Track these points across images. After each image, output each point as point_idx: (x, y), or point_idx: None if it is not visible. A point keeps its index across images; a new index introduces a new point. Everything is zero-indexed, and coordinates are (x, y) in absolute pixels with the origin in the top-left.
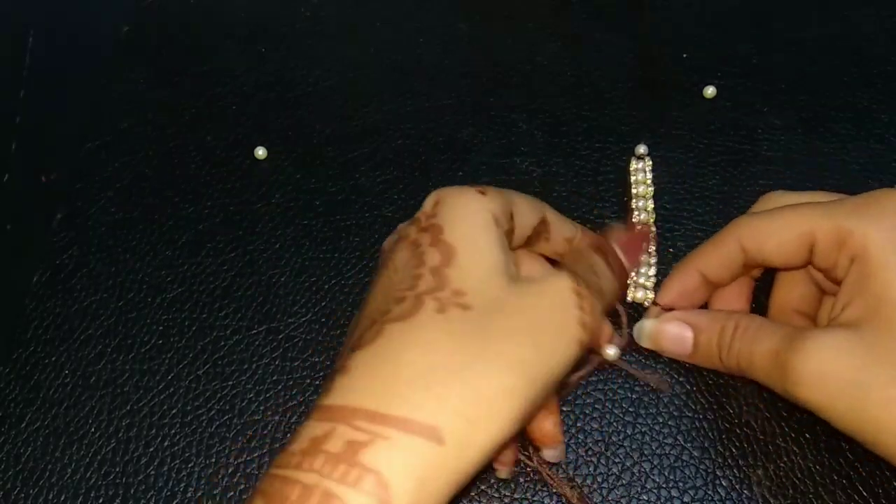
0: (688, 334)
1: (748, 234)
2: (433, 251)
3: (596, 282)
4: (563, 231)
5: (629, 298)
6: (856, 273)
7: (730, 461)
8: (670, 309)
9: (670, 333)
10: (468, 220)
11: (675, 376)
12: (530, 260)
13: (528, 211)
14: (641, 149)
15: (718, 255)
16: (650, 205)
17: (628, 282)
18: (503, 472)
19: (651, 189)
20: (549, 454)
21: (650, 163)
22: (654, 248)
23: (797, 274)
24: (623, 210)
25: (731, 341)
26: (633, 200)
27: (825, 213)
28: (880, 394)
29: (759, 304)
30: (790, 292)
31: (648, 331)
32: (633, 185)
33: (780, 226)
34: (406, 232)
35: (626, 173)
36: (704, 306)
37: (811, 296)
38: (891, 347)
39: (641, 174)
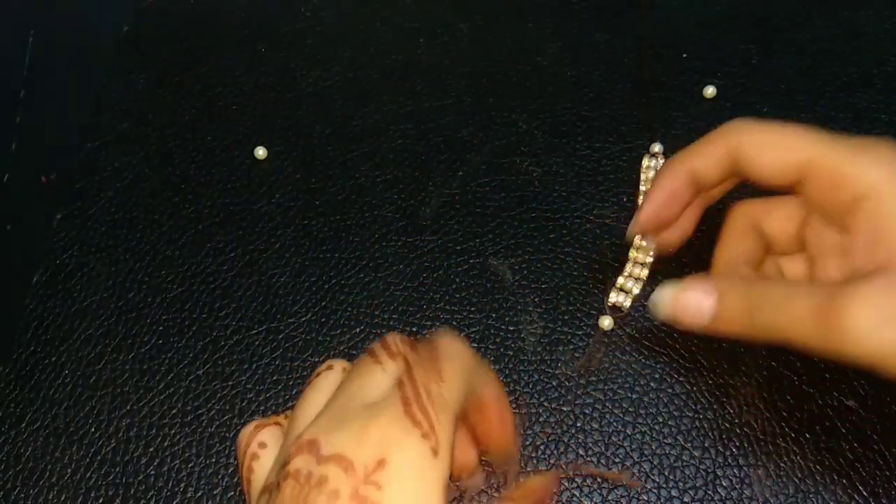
0: (708, 302)
1: (747, 141)
2: None
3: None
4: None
5: (610, 302)
6: (866, 221)
7: (730, 461)
8: (654, 230)
9: (691, 302)
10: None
11: (675, 376)
12: None
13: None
14: (656, 147)
15: (711, 156)
16: None
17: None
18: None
19: None
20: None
21: (662, 161)
22: (650, 257)
23: (744, 229)
24: (623, 210)
25: (760, 303)
26: (642, 197)
27: (828, 146)
28: None
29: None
30: (736, 248)
31: (666, 302)
32: (643, 183)
33: (780, 145)
34: (328, 483)
35: (638, 170)
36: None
37: (757, 251)
38: None
39: (653, 172)
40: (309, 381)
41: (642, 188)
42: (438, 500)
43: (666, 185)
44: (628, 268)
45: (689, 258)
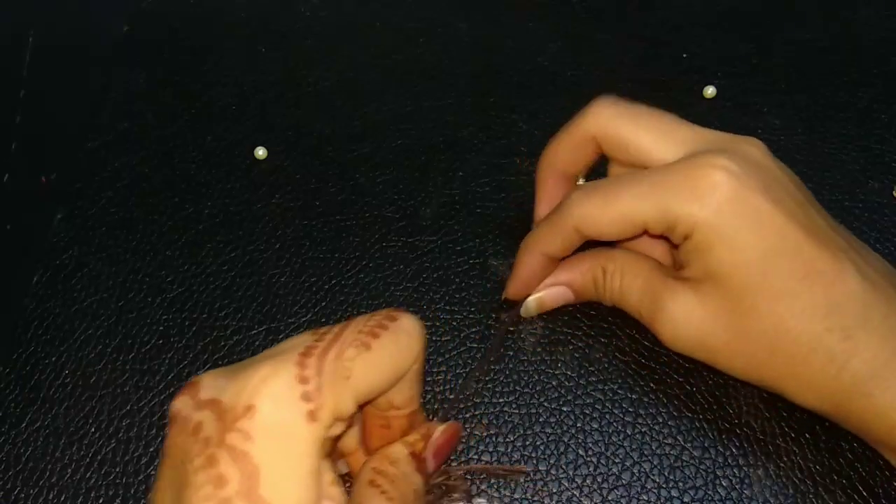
0: (565, 290)
1: (582, 220)
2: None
3: (401, 493)
4: (399, 402)
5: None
6: (690, 247)
7: (730, 461)
8: (526, 297)
9: (552, 296)
10: (291, 471)
11: (675, 376)
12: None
13: (388, 388)
14: None
15: (558, 238)
16: None
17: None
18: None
19: None
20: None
21: None
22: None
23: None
24: None
25: (605, 283)
26: None
27: (653, 200)
28: (725, 349)
29: None
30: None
31: (533, 305)
32: None
33: (612, 215)
34: (204, 429)
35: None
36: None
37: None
38: (727, 308)
39: None
40: None
41: None
42: (309, 468)
43: (524, 266)
44: None
45: None
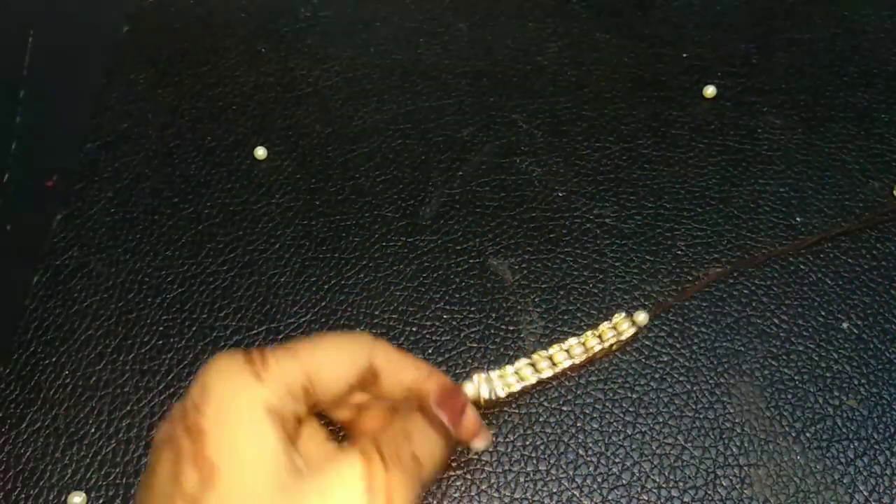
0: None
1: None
2: (191, 471)
3: (408, 450)
4: (400, 378)
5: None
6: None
7: (730, 461)
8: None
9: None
10: (235, 423)
11: (675, 376)
12: (317, 439)
13: (342, 367)
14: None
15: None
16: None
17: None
18: (480, 442)
19: None
20: (479, 444)
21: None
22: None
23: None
24: (623, 210)
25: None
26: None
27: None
28: None
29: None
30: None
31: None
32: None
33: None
34: (171, 428)
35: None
36: None
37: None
38: None
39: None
40: None
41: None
42: (260, 424)
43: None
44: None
45: None
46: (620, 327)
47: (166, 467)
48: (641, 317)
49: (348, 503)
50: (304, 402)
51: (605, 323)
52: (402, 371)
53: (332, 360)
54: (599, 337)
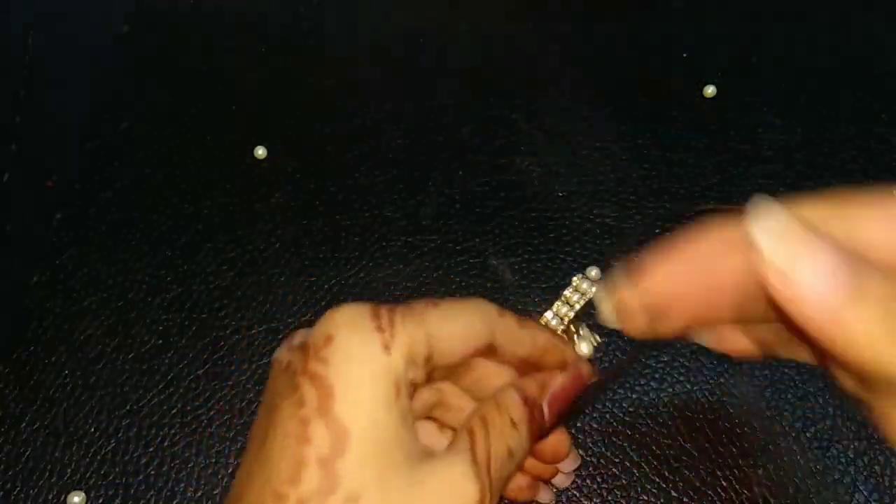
0: None
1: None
2: (321, 428)
3: (502, 448)
4: (517, 350)
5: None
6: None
7: (730, 461)
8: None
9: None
10: (366, 391)
11: (676, 376)
12: (427, 428)
13: (465, 342)
14: (593, 271)
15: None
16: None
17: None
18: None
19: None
20: (566, 466)
21: (593, 290)
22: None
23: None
24: (623, 210)
25: None
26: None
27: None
28: None
29: None
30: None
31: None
32: (563, 302)
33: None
34: (291, 360)
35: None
36: None
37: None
38: None
39: (578, 296)
40: None
41: (562, 308)
42: (385, 395)
43: None
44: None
45: None
46: (581, 288)
47: (288, 410)
48: (594, 272)
49: (457, 492)
50: (424, 370)
51: (567, 289)
52: (520, 347)
53: (458, 332)
54: (568, 303)
